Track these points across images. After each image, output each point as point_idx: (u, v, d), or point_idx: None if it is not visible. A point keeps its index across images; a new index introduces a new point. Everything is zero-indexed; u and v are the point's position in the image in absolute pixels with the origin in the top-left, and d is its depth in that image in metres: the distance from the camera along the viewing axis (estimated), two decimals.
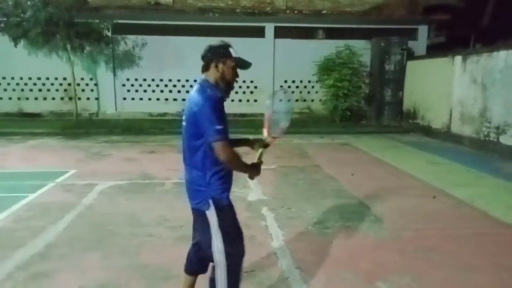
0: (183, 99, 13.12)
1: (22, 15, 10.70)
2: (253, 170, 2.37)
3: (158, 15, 13.06)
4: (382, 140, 10.43)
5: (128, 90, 13.54)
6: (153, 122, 12.32)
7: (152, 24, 13.04)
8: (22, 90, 13.25)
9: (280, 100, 2.67)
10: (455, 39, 16.87)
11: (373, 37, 13.20)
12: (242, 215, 3.26)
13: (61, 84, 13.29)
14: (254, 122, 10.45)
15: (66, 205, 4.90)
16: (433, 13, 14.71)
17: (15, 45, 11.12)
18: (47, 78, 13.25)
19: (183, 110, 2.38)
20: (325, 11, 13.66)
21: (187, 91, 13.35)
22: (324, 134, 11.13)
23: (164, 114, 13.42)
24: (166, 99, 13.61)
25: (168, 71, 13.39)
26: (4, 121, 11.88)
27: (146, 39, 13.11)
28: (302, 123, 12.30)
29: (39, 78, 13.24)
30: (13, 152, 8.32)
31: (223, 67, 2.28)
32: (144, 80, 13.52)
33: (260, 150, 2.44)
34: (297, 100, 14.02)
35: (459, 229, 4.29)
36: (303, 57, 13.11)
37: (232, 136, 2.33)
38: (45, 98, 13.33)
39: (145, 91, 13.60)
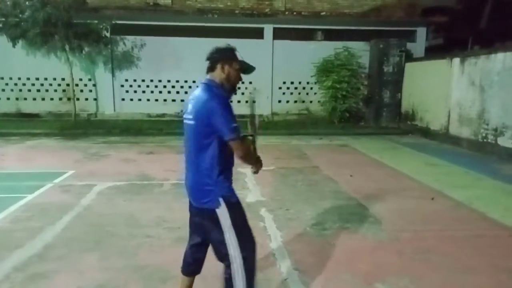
0: (182, 100, 13.24)
1: (20, 15, 10.69)
2: (259, 163, 2.47)
3: (157, 15, 13.06)
4: (381, 141, 10.45)
5: (127, 91, 13.54)
6: (151, 123, 12.31)
7: (151, 25, 13.03)
8: (20, 90, 13.23)
9: (254, 102, 2.72)
10: (453, 41, 16.93)
11: (371, 38, 13.24)
12: None
13: (59, 85, 13.27)
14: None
15: (64, 206, 4.88)
16: (431, 15, 14.74)
17: (14, 46, 11.12)
18: (46, 79, 13.23)
19: (182, 111, 2.38)
20: (324, 13, 13.69)
21: (186, 92, 13.46)
22: (323, 135, 11.14)
23: (163, 115, 13.42)
24: (165, 100, 13.61)
25: (166, 71, 13.39)
26: (2, 122, 11.85)
27: (144, 39, 13.11)
28: (301, 125, 12.34)
29: (37, 79, 13.22)
30: (11, 153, 8.30)
31: (229, 69, 2.34)
32: (143, 80, 13.52)
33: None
34: (295, 102, 14.06)
35: (457, 231, 4.29)
36: (302, 59, 13.13)
37: None
38: (43, 99, 13.31)
39: (143, 91, 13.59)
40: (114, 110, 13.43)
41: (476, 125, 8.97)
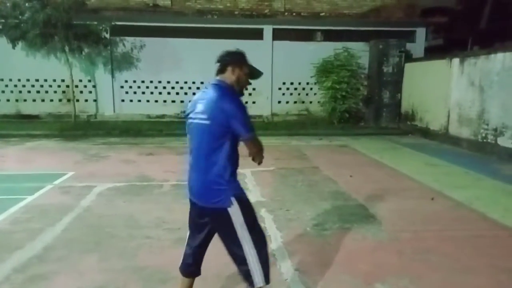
0: (182, 101, 13.26)
1: (20, 16, 10.70)
2: (262, 155, 2.52)
3: (156, 17, 13.07)
4: (381, 142, 10.45)
5: (127, 92, 13.54)
6: (151, 124, 12.31)
7: (151, 26, 13.05)
8: (20, 92, 13.23)
9: None
10: (453, 41, 16.96)
11: (371, 39, 13.25)
12: None
13: (59, 86, 13.28)
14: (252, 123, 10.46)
15: (64, 207, 4.88)
16: (431, 16, 14.77)
17: (13, 47, 11.12)
18: (45, 80, 13.24)
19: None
20: (323, 13, 13.70)
21: (186, 93, 13.47)
22: (323, 136, 11.14)
23: (163, 116, 13.42)
24: (165, 101, 13.61)
25: (166, 73, 13.40)
26: (1, 123, 11.84)
27: (144, 41, 13.12)
28: (301, 125, 12.34)
29: (37, 80, 13.23)
30: (10, 154, 8.30)
31: (239, 72, 2.41)
32: (143, 82, 13.52)
33: None
34: (295, 102, 14.06)
35: (457, 231, 4.29)
36: (302, 59, 13.14)
37: None
38: (43, 100, 13.32)
39: (143, 93, 13.60)
40: (114, 111, 13.43)
41: (476, 125, 8.98)
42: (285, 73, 13.58)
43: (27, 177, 6.43)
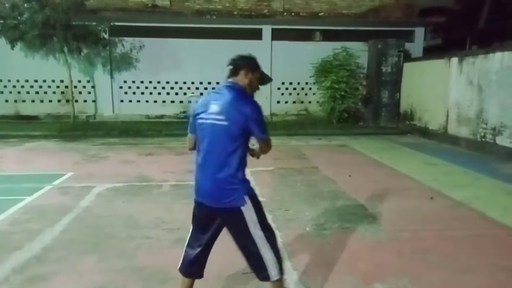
0: (181, 101, 13.25)
1: (19, 17, 10.69)
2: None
3: (155, 17, 13.07)
4: (379, 141, 10.46)
5: (126, 92, 13.53)
6: (150, 124, 12.29)
7: (150, 26, 13.04)
8: (19, 92, 13.22)
9: (189, 102, 2.94)
10: (451, 41, 16.99)
11: (370, 39, 13.25)
12: None
13: (58, 87, 13.27)
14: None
15: (63, 207, 4.88)
16: (430, 16, 14.79)
17: (12, 48, 11.11)
18: (44, 81, 13.23)
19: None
20: (322, 13, 13.71)
21: (185, 93, 13.47)
22: (322, 135, 11.15)
23: (162, 116, 13.41)
24: (164, 101, 13.60)
25: (165, 73, 13.39)
26: (0, 124, 11.82)
27: (143, 41, 13.11)
28: (300, 125, 12.34)
29: (36, 81, 13.22)
30: (9, 155, 8.29)
31: (251, 77, 2.48)
32: (142, 82, 13.52)
33: None
34: (294, 102, 14.07)
35: (456, 230, 4.30)
36: (300, 59, 13.14)
37: None
38: (42, 101, 13.31)
39: (142, 93, 13.59)
40: (113, 111, 13.42)
41: (475, 124, 8.99)
42: (284, 73, 13.58)
43: (26, 178, 6.42)
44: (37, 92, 13.27)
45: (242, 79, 2.45)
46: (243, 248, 2.46)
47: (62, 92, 13.23)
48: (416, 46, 13.69)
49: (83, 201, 5.14)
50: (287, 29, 13.65)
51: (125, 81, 13.45)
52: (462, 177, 6.70)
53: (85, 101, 13.39)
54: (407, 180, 6.48)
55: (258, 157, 2.63)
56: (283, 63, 13.46)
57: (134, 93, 13.55)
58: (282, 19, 13.48)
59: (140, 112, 13.40)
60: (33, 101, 13.27)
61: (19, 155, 8.29)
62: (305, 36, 13.74)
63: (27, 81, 13.17)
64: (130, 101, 13.56)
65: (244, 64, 2.47)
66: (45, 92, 13.29)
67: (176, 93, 13.61)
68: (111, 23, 11.85)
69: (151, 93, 13.60)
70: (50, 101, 13.31)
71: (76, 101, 12.71)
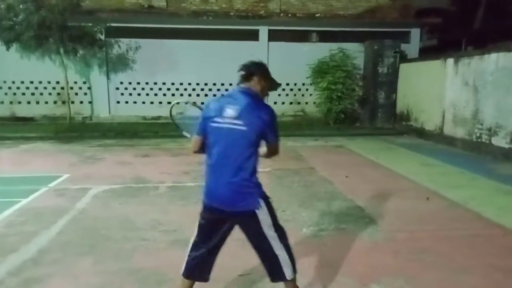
0: (177, 103, 13.26)
1: (14, 18, 10.65)
2: None
3: (151, 18, 13.05)
4: (376, 142, 10.49)
5: (122, 94, 13.51)
6: (147, 125, 12.27)
7: (146, 28, 13.03)
8: (15, 94, 13.17)
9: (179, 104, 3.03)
10: (447, 42, 17.06)
11: (366, 40, 13.30)
12: None
13: (54, 88, 13.23)
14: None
15: (59, 209, 4.85)
16: (426, 17, 14.87)
17: (7, 49, 11.07)
18: (40, 82, 13.18)
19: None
20: (318, 14, 13.74)
21: (181, 94, 13.46)
22: (318, 136, 11.17)
23: (158, 117, 13.34)
24: (160, 103, 13.58)
25: (161, 74, 13.38)
26: None
27: (139, 42, 13.10)
28: (296, 126, 12.35)
29: (31, 82, 13.17)
30: (5, 157, 8.24)
31: (264, 83, 2.53)
32: (138, 83, 13.50)
33: None
34: (291, 103, 14.08)
35: (453, 231, 4.31)
36: (297, 60, 13.16)
37: None
38: (38, 102, 13.25)
39: (139, 94, 13.57)
40: (109, 113, 13.39)
41: (471, 125, 9.03)
42: (281, 74, 13.33)
43: (21, 180, 6.39)
44: (33, 94, 13.22)
45: (255, 85, 2.48)
46: (257, 249, 2.50)
47: (58, 94, 13.19)
48: (412, 47, 13.75)
49: (79, 203, 5.12)
50: (283, 30, 13.68)
51: (121, 82, 13.42)
52: (458, 177, 6.72)
53: (81, 102, 13.36)
54: (404, 180, 6.50)
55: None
56: (280, 64, 13.38)
57: (130, 94, 13.53)
58: (278, 20, 13.50)
59: (136, 113, 13.37)
60: (29, 102, 13.22)
61: (15, 157, 8.25)
62: (302, 37, 13.77)
63: (22, 82, 13.12)
64: (127, 102, 13.54)
65: (258, 70, 2.52)
66: (41, 94, 13.25)
67: (173, 94, 13.60)
68: (107, 24, 11.83)
69: (147, 94, 13.59)
70: (46, 102, 13.26)
71: (72, 102, 12.67)
